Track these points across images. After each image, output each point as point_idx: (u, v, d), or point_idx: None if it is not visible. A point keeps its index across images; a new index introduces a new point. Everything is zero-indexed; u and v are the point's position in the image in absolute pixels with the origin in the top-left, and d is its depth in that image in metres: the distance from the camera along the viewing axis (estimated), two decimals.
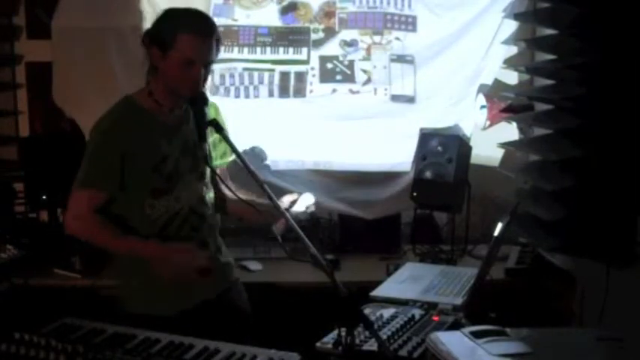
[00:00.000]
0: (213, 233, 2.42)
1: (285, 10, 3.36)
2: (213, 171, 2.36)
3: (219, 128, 2.15)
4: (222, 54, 3.27)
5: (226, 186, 2.32)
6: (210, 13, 3.16)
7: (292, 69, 3.34)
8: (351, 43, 3.34)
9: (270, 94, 3.38)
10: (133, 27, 3.06)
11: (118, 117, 2.26)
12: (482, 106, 3.25)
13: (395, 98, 3.37)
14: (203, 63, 2.21)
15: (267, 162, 3.35)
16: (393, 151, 3.39)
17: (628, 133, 2.30)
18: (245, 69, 3.35)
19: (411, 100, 3.37)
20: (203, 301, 2.31)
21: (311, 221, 3.39)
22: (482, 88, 3.30)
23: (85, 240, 2.33)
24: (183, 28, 2.18)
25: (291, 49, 3.34)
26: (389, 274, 2.89)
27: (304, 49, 3.34)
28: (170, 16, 2.25)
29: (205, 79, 2.26)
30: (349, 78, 3.35)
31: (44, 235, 3.09)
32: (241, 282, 2.55)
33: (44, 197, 3.13)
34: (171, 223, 2.27)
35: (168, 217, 2.26)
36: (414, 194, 3.20)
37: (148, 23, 2.65)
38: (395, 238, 3.39)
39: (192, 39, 2.18)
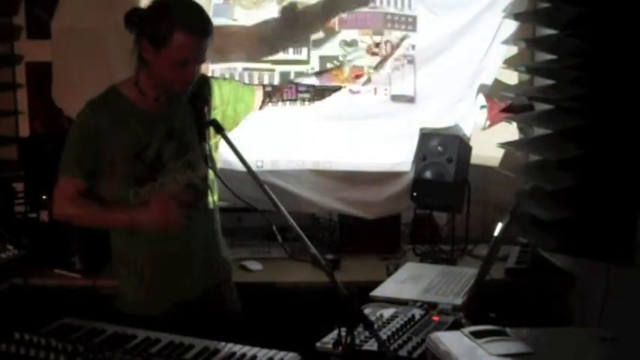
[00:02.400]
0: (210, 224, 2.40)
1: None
2: (215, 173, 2.31)
3: (219, 129, 2.12)
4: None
5: (227, 186, 2.31)
6: (210, 13, 3.15)
7: (292, 69, 3.33)
8: (351, 43, 3.33)
9: None
10: None
11: (96, 106, 2.25)
12: (482, 106, 3.25)
13: (395, 98, 3.36)
14: (198, 63, 2.19)
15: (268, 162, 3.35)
16: (393, 151, 3.38)
17: (628, 133, 2.30)
18: (245, 69, 3.34)
19: (411, 100, 3.36)
20: (183, 301, 2.30)
21: (311, 221, 3.42)
22: (482, 88, 3.29)
23: (72, 222, 2.42)
24: (180, 26, 2.08)
25: (291, 49, 3.33)
26: (389, 274, 2.89)
27: (304, 49, 3.33)
28: (165, 9, 2.12)
29: (197, 75, 2.23)
30: None
31: (44, 235, 3.08)
32: (233, 281, 2.54)
33: (44, 197, 3.12)
34: None
35: None
36: (414, 194, 3.20)
37: None
38: (395, 238, 3.39)
39: (189, 39, 2.09)
